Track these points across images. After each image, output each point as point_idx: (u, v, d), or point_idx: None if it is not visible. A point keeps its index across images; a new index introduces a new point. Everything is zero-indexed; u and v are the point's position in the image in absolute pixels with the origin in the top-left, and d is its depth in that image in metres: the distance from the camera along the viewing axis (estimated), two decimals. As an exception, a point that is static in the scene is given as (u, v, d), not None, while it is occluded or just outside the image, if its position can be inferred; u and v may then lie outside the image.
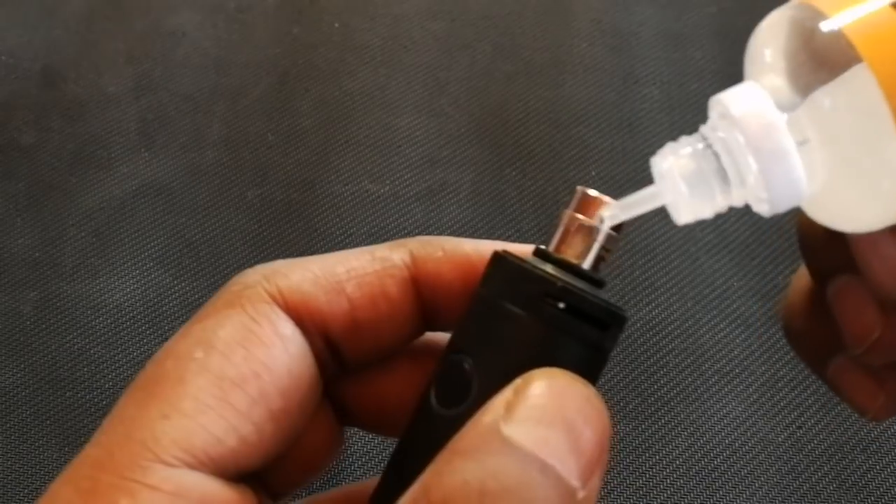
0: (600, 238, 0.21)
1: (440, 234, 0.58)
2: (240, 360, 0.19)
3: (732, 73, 0.74)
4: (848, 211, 0.19)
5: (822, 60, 0.18)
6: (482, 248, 0.22)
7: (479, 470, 0.16)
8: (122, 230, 0.60)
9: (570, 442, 0.17)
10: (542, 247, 0.21)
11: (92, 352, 0.55)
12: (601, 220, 0.21)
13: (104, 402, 0.54)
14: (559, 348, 0.19)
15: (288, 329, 0.20)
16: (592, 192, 0.21)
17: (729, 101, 0.19)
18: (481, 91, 0.64)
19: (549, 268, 0.20)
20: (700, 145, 0.20)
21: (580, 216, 0.21)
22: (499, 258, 0.20)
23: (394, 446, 0.21)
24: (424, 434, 0.20)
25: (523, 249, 0.21)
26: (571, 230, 0.21)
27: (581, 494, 0.17)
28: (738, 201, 0.20)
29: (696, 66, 0.64)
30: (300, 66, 0.66)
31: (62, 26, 0.69)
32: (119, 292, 0.57)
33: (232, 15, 0.69)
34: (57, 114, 0.65)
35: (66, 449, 0.52)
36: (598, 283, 0.20)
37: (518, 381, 0.18)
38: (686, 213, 0.20)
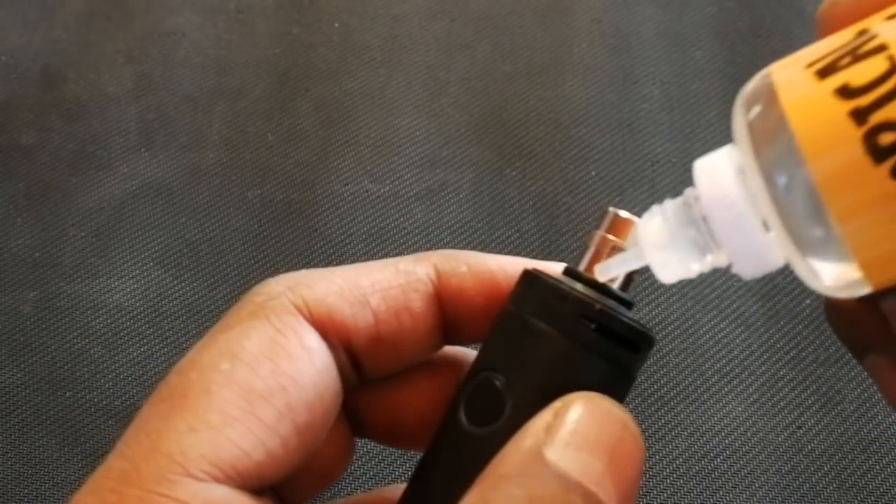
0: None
1: (440, 233, 0.58)
2: (267, 372, 0.19)
3: (732, 74, 0.74)
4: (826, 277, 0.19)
5: (772, 138, 0.18)
6: (506, 265, 0.22)
7: (524, 494, 0.17)
8: (122, 230, 0.60)
9: (610, 469, 0.17)
10: (573, 267, 0.21)
11: (92, 352, 0.55)
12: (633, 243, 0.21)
13: (104, 402, 0.54)
14: (592, 369, 0.19)
15: (314, 342, 0.20)
16: (624, 214, 0.21)
17: (696, 172, 0.19)
18: (481, 91, 0.64)
19: (581, 288, 0.20)
20: (677, 211, 0.20)
21: (613, 237, 0.21)
22: (531, 276, 0.20)
23: (402, 456, 0.21)
24: (453, 451, 0.20)
25: (551, 268, 0.22)
26: (603, 251, 0.21)
27: None
28: (718, 264, 0.20)
29: (696, 66, 0.64)
30: (300, 66, 0.66)
31: (62, 26, 0.69)
32: (119, 292, 0.57)
33: (232, 15, 0.69)
34: (57, 114, 0.65)
35: (66, 449, 0.52)
36: (629, 305, 0.21)
37: (557, 405, 0.18)
38: (666, 274, 0.21)
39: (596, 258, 0.21)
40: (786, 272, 0.56)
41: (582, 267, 0.21)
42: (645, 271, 0.21)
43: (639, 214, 0.21)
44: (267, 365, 0.19)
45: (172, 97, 0.65)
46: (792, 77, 0.18)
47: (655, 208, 0.21)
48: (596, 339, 0.19)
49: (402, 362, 0.22)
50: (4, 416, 0.53)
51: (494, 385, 0.20)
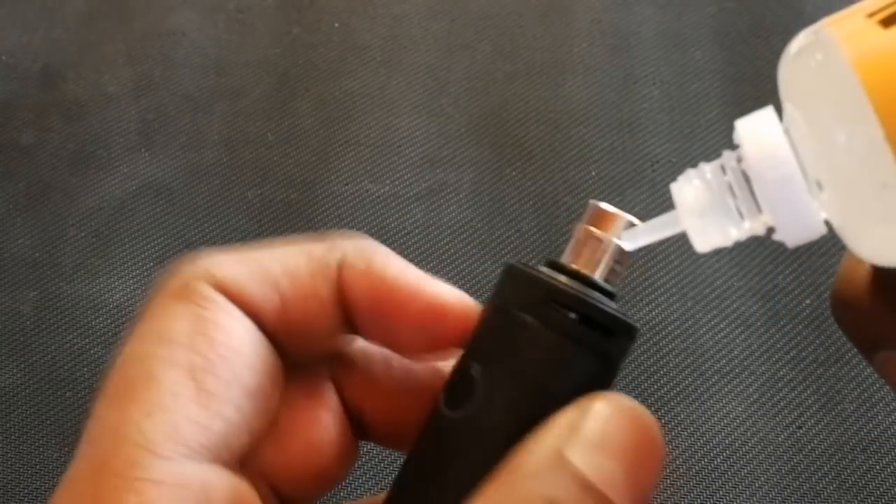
0: (612, 251, 0.21)
1: (440, 233, 0.58)
2: (203, 347, 0.19)
3: (732, 74, 0.73)
4: (877, 244, 0.18)
5: (831, 95, 0.17)
6: (406, 279, 0.22)
7: (542, 493, 0.17)
8: (122, 230, 0.60)
9: (629, 476, 0.17)
10: (555, 259, 0.21)
11: (92, 352, 0.55)
12: (617, 237, 0.21)
13: (104, 402, 0.54)
14: (566, 355, 0.19)
15: (237, 313, 0.21)
16: (606, 207, 0.21)
17: (740, 131, 0.19)
18: (481, 91, 0.64)
19: (560, 277, 0.20)
20: (715, 175, 0.19)
21: (593, 229, 0.21)
22: (510, 268, 0.21)
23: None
24: (433, 435, 0.20)
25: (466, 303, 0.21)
26: (584, 243, 0.21)
27: None
28: (757, 231, 0.19)
29: (696, 66, 0.64)
30: (300, 66, 0.66)
31: (62, 26, 0.69)
32: (119, 292, 0.57)
33: (232, 15, 0.69)
34: (57, 114, 0.65)
35: (66, 449, 0.52)
36: (610, 295, 0.20)
37: (583, 402, 0.18)
38: (702, 242, 0.20)
39: (576, 250, 0.21)
40: (786, 272, 0.56)
41: (564, 259, 0.21)
42: (631, 263, 0.21)
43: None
44: (201, 340, 0.19)
45: (172, 97, 0.65)
46: (853, 28, 0.17)
47: (692, 172, 0.20)
48: (568, 324, 0.19)
49: (314, 347, 0.22)
50: (4, 416, 0.53)
51: (469, 372, 0.20)
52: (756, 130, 0.18)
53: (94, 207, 0.61)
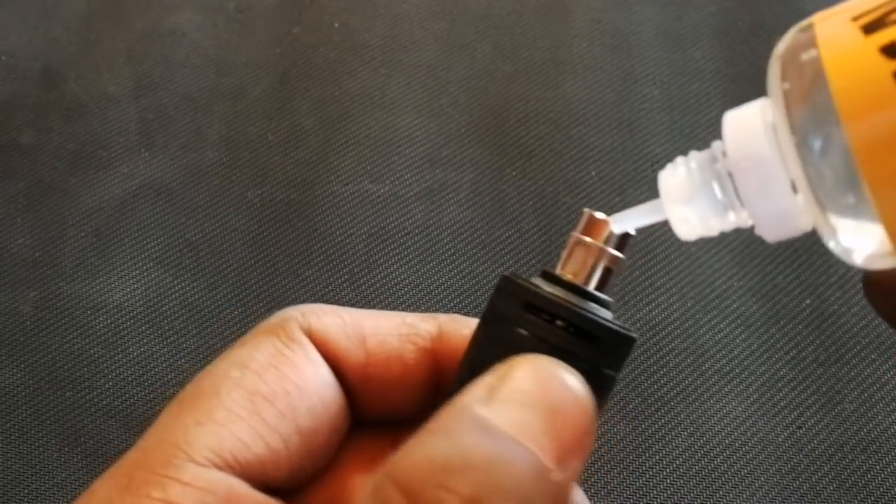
0: (605, 258, 0.20)
1: (440, 233, 0.58)
2: (272, 378, 0.21)
3: (732, 73, 0.73)
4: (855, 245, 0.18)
5: (806, 96, 0.17)
6: None
7: (445, 446, 0.17)
8: (122, 230, 0.60)
9: (547, 424, 0.17)
10: (550, 270, 0.21)
11: (92, 352, 0.55)
12: (607, 240, 0.20)
13: (104, 402, 0.54)
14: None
15: (316, 356, 0.22)
16: (599, 215, 0.21)
17: (726, 125, 0.18)
18: (481, 91, 0.64)
19: (555, 289, 0.20)
20: (701, 165, 0.19)
21: (585, 237, 0.20)
22: (504, 280, 0.20)
23: None
24: None
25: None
26: (576, 251, 0.21)
27: (557, 476, 0.17)
28: (741, 223, 0.19)
29: (696, 66, 0.64)
30: (300, 66, 0.66)
31: (62, 26, 0.69)
32: (119, 292, 0.57)
33: (232, 15, 0.69)
34: (57, 114, 0.65)
35: (66, 449, 0.52)
36: (604, 304, 0.20)
37: (501, 366, 0.18)
38: (686, 231, 0.20)
39: (569, 259, 0.21)
40: (786, 272, 0.56)
41: (558, 269, 0.21)
42: (624, 271, 0.20)
43: None
44: (272, 372, 0.21)
45: (172, 97, 0.65)
46: (835, 31, 0.17)
47: (679, 160, 0.20)
48: (556, 336, 0.19)
49: (391, 408, 0.23)
50: (4, 416, 0.53)
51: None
52: (739, 125, 0.18)
53: (94, 207, 0.61)
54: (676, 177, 0.19)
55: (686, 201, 0.19)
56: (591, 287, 0.20)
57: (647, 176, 0.59)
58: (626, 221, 0.21)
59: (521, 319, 0.19)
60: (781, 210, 0.18)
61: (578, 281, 0.20)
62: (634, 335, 0.20)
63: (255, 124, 0.64)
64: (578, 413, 0.18)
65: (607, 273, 0.20)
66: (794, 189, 0.18)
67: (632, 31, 0.66)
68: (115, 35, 0.69)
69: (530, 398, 0.18)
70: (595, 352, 0.19)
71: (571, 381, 0.18)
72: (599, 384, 0.19)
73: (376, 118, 0.63)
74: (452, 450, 0.17)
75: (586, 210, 0.21)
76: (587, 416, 0.18)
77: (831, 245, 0.18)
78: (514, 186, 0.60)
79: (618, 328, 0.19)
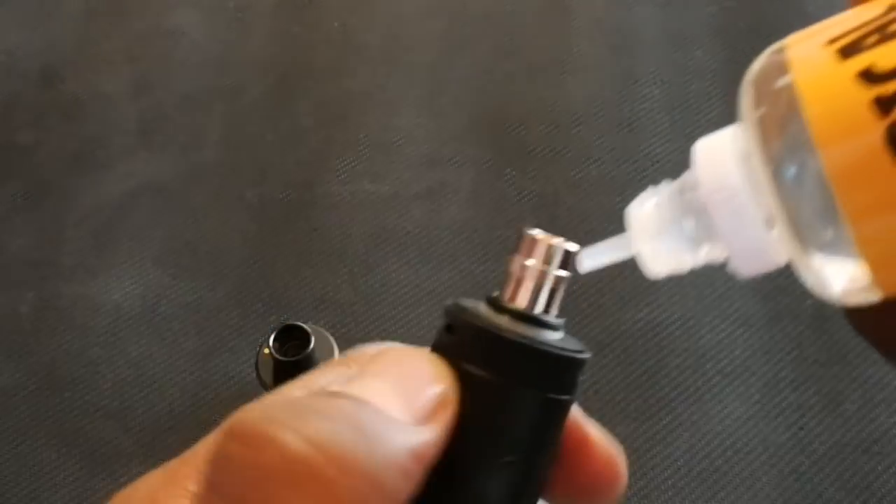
0: (549, 281, 0.20)
1: (440, 233, 0.58)
2: None
3: (733, 73, 0.73)
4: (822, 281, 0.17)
5: (781, 120, 0.16)
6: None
7: (284, 397, 0.16)
8: (121, 230, 0.60)
9: (397, 389, 0.17)
10: (494, 295, 0.20)
11: (91, 352, 0.55)
12: (551, 261, 0.19)
13: (103, 402, 0.54)
14: (506, 398, 0.18)
15: None
16: (538, 234, 0.20)
17: (695, 155, 0.18)
18: (481, 91, 0.64)
19: (499, 319, 0.19)
20: (671, 198, 0.18)
21: (528, 261, 0.19)
22: (447, 310, 0.19)
23: None
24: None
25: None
26: (519, 276, 0.20)
27: (412, 435, 0.16)
28: (714, 258, 0.18)
29: (696, 66, 0.64)
30: (300, 65, 0.66)
31: (61, 26, 0.69)
32: (117, 292, 0.57)
33: (232, 14, 0.69)
34: (56, 114, 0.65)
35: (65, 449, 0.52)
36: (552, 327, 0.19)
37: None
38: (654, 268, 0.19)
39: (513, 283, 0.19)
40: (787, 272, 0.56)
41: (504, 294, 0.19)
42: (566, 288, 0.19)
43: None
44: None
45: (171, 96, 0.65)
46: (809, 54, 0.16)
47: (650, 191, 0.19)
48: (504, 365, 0.18)
49: None
50: (3, 417, 0.53)
51: None
52: (710, 155, 0.17)
53: (93, 207, 0.61)
54: (644, 210, 0.18)
55: (655, 236, 0.18)
56: (538, 310, 0.19)
57: (648, 176, 0.59)
58: (595, 258, 0.20)
59: (461, 351, 0.18)
60: (755, 245, 0.17)
61: (521, 306, 0.19)
62: (581, 357, 0.19)
63: (254, 124, 0.64)
64: (427, 375, 0.17)
65: (554, 294, 0.20)
66: (770, 223, 0.17)
67: (632, 30, 0.66)
68: (113, 34, 0.69)
69: (375, 368, 0.17)
70: (541, 378, 0.18)
71: (414, 352, 0.18)
72: (555, 411, 0.19)
73: (376, 117, 0.63)
74: (294, 401, 0.16)
75: (526, 230, 0.20)
76: (435, 379, 0.17)
77: (808, 280, 0.17)
78: (514, 186, 0.60)
79: (560, 352, 0.19)
